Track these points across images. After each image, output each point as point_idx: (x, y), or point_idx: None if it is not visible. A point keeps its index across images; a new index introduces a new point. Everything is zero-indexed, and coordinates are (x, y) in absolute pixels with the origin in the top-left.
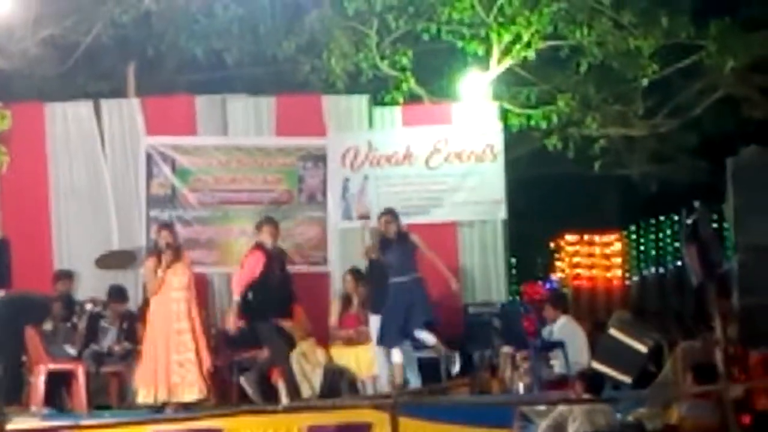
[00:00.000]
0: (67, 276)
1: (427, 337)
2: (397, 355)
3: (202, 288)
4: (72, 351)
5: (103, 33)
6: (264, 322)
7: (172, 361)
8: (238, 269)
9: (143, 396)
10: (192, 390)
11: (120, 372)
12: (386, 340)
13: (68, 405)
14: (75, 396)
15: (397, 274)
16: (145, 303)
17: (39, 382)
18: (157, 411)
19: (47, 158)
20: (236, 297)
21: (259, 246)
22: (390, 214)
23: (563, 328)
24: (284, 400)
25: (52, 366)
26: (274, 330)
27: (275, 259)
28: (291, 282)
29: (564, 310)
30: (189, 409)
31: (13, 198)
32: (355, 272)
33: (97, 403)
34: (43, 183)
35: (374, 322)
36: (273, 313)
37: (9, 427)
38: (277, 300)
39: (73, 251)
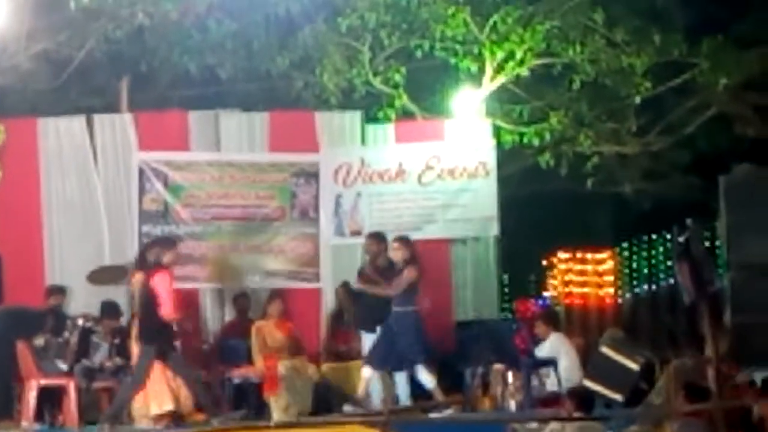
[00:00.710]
0: (59, 291)
1: (427, 379)
2: (424, 377)
3: (194, 303)
4: (63, 366)
5: (96, 48)
6: (148, 346)
7: (168, 377)
8: (164, 294)
9: (144, 410)
10: (185, 404)
11: (111, 387)
12: (377, 362)
13: (59, 420)
14: (66, 411)
15: (400, 303)
16: (133, 317)
17: (30, 398)
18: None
19: (40, 173)
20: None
21: (164, 267)
22: (402, 240)
23: (554, 345)
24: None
25: (43, 381)
26: (152, 355)
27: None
28: None
29: (555, 328)
30: (180, 425)
31: (6, 213)
32: (347, 287)
33: (88, 419)
34: (35, 198)
35: (366, 339)
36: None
37: None
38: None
39: (65, 266)
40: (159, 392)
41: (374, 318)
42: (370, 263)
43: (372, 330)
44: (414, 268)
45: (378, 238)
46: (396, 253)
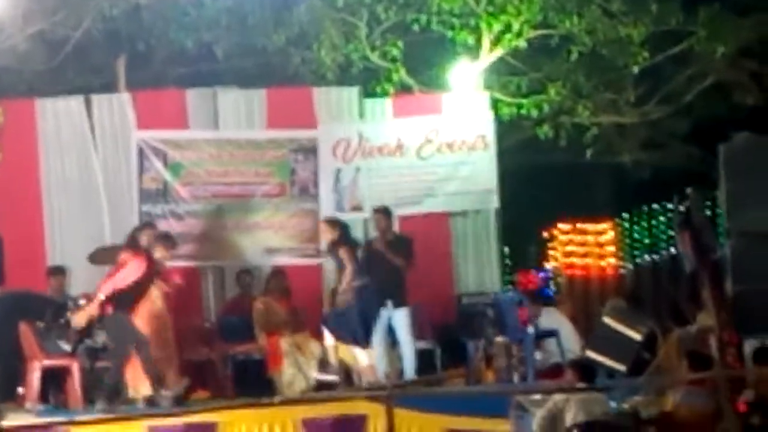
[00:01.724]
0: (59, 272)
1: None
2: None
3: (195, 282)
4: (66, 347)
5: (93, 27)
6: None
7: (154, 357)
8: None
9: (131, 391)
10: (173, 384)
11: None
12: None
13: (63, 401)
14: (70, 392)
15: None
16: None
17: (33, 379)
18: (151, 405)
19: (39, 154)
20: (101, 296)
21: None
22: (330, 222)
23: (548, 319)
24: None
25: (46, 362)
26: (120, 320)
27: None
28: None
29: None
30: (183, 404)
31: (5, 194)
32: None
33: (92, 399)
34: (34, 179)
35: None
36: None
37: (4, 423)
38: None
39: (65, 247)
40: (135, 376)
41: (387, 292)
42: (381, 238)
43: (384, 304)
44: (345, 248)
45: (386, 212)
46: (324, 236)
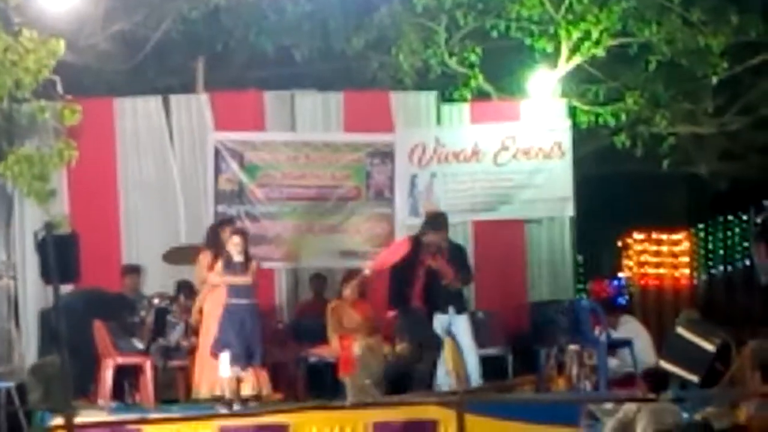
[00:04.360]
0: (134, 270)
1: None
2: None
3: (269, 283)
4: (140, 345)
5: (173, 28)
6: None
7: None
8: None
9: (201, 392)
10: (245, 385)
11: (187, 366)
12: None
13: (136, 399)
14: (142, 390)
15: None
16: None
17: (107, 376)
18: (227, 406)
19: (116, 153)
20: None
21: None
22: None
23: (627, 327)
24: None
25: (119, 360)
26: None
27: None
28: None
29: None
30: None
31: (82, 192)
32: None
33: (164, 398)
34: (111, 178)
35: (437, 320)
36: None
37: (77, 420)
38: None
39: (141, 246)
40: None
41: (448, 298)
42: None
43: (444, 311)
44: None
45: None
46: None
